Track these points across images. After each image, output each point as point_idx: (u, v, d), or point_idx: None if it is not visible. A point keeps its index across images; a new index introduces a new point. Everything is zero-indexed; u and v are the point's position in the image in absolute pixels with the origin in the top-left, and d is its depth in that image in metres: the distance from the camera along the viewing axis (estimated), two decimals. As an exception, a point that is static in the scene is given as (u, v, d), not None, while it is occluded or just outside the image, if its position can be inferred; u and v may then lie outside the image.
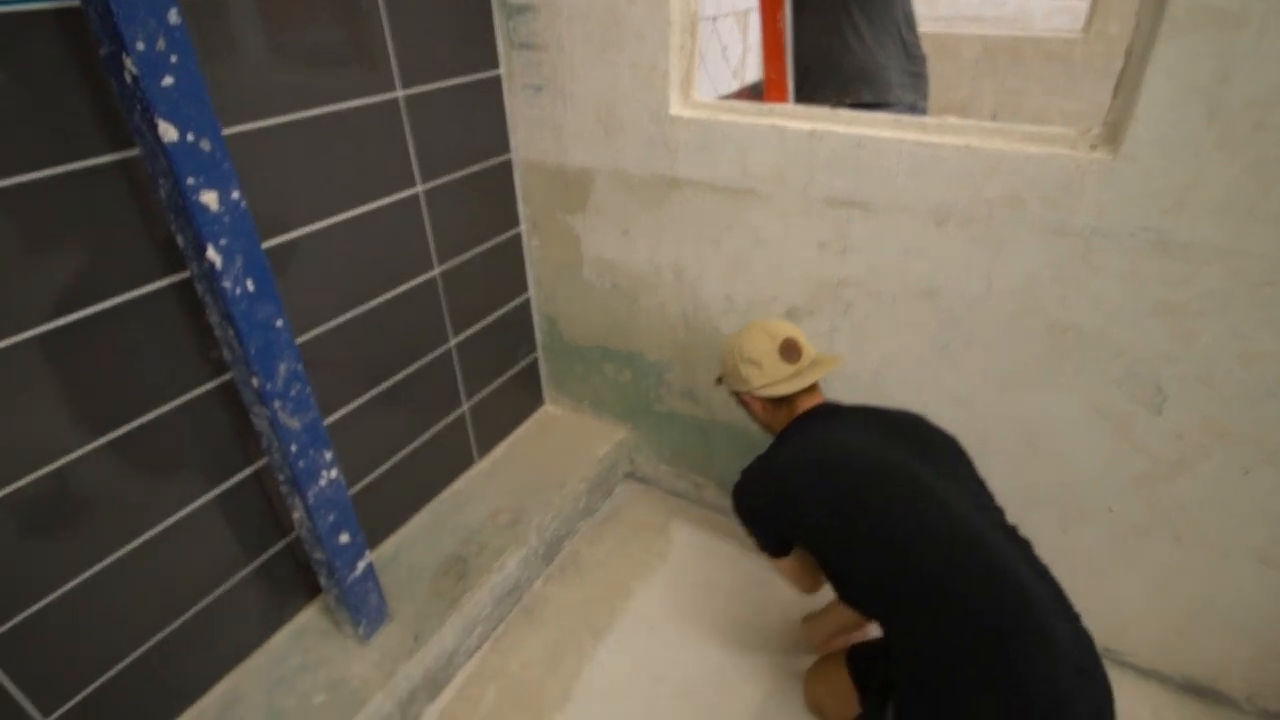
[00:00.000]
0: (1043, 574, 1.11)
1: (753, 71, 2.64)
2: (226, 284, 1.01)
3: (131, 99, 0.90)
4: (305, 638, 1.53)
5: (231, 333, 1.07)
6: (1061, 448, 1.44)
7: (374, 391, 1.61)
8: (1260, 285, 1.14)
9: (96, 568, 1.16)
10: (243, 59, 1.18)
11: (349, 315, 1.49)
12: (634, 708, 1.57)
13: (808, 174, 1.44)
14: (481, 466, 2.03)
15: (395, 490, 1.75)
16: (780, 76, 2.25)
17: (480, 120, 1.70)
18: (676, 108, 1.54)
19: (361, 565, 1.43)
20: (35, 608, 1.09)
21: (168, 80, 0.88)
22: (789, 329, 1.37)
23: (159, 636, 1.29)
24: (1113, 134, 1.18)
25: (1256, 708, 1.49)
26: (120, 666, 1.24)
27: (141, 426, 1.17)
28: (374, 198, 1.47)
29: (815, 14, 2.18)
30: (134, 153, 1.05)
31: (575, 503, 1.97)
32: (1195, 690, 1.54)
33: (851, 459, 1.19)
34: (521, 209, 1.91)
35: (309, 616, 1.58)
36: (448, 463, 1.93)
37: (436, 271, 1.69)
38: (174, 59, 0.88)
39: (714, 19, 2.33)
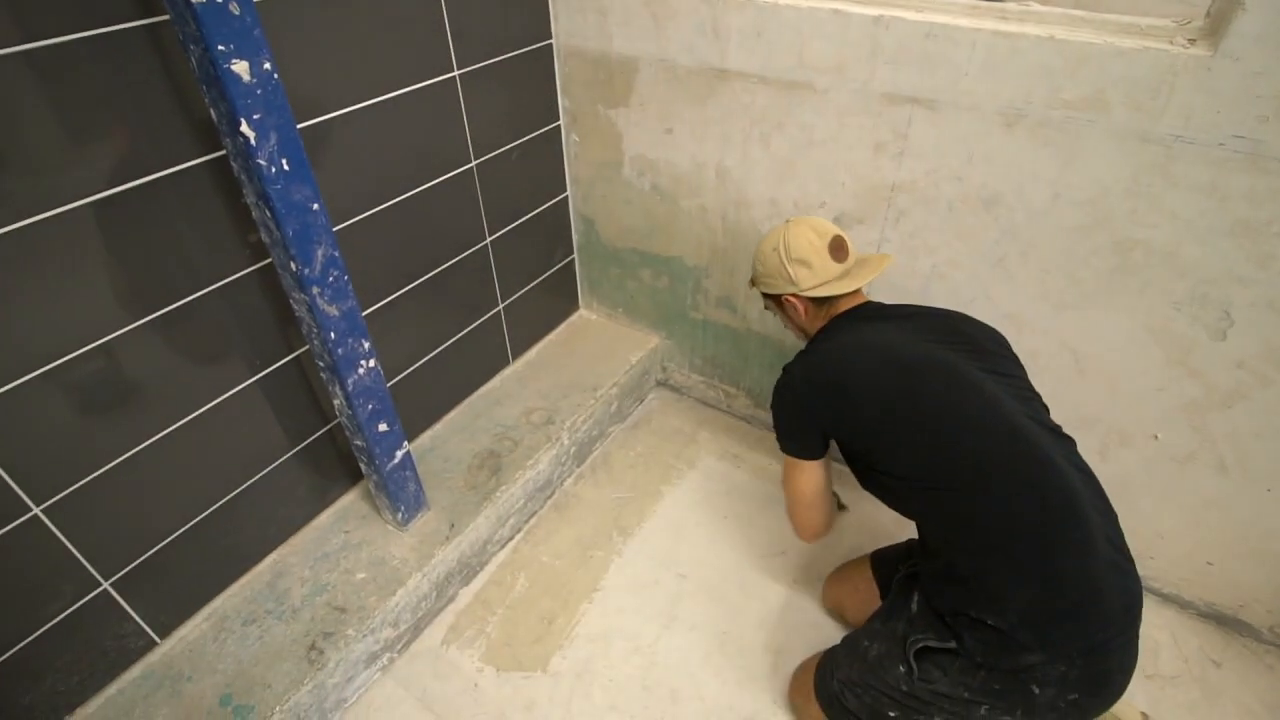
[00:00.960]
0: (1082, 469, 1.10)
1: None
2: (261, 161, 0.99)
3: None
4: (347, 520, 1.60)
5: (268, 213, 1.05)
6: (1112, 370, 1.39)
7: (410, 285, 1.60)
8: (1358, 203, 1.05)
9: (147, 442, 1.21)
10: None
11: (384, 205, 1.46)
12: (659, 600, 1.63)
13: (869, 66, 1.34)
14: (516, 367, 2.04)
15: (432, 385, 1.78)
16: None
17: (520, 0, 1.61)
18: (731, -11, 1.43)
19: (400, 454, 1.46)
20: (92, 476, 1.15)
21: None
22: (833, 226, 1.30)
23: (210, 510, 1.35)
24: (1215, 26, 1.06)
25: (1279, 637, 1.49)
26: (174, 535, 1.31)
27: (187, 306, 1.19)
28: (408, 82, 1.41)
29: None
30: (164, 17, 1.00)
31: (607, 407, 1.98)
32: (1217, 618, 1.55)
33: (902, 351, 1.16)
34: (561, 101, 1.83)
35: (350, 500, 1.65)
36: (483, 362, 1.95)
37: (473, 164, 1.64)
38: (201, -89, 0.83)
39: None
